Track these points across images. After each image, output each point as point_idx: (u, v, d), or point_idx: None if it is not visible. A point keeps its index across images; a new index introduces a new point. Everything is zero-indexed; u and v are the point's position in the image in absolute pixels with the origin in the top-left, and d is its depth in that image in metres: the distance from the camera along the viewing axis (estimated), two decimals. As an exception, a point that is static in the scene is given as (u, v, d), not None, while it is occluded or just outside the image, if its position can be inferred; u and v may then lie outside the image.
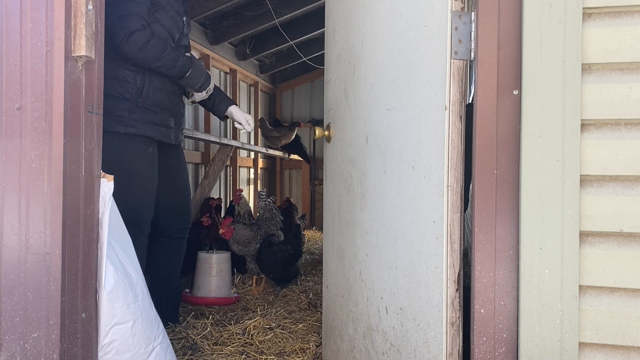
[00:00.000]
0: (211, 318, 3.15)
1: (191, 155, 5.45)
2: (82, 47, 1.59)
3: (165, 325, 2.40)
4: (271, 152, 6.24)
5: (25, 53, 1.57)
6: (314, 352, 2.69)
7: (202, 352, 2.69)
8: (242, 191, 4.27)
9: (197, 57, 2.89)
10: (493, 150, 1.50)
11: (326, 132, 2.35)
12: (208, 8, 5.03)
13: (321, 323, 2.66)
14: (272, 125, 6.42)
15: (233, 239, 3.74)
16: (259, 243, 3.81)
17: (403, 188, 1.76)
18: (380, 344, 1.88)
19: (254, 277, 3.96)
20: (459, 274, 1.59)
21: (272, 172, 8.10)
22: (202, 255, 3.62)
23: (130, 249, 1.91)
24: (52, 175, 1.56)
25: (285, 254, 3.80)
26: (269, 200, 4.04)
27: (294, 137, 6.14)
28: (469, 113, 1.59)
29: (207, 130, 5.75)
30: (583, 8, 1.43)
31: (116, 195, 1.80)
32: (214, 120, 5.77)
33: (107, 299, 1.72)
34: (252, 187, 7.27)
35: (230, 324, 3.05)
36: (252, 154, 7.09)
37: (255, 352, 2.69)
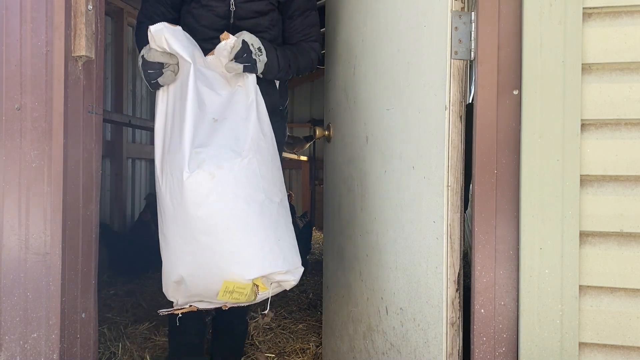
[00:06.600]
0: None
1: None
2: (82, 47, 1.59)
3: None
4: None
5: (25, 53, 1.57)
6: (314, 352, 2.69)
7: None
8: None
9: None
10: (493, 150, 1.49)
11: (326, 132, 2.35)
12: (208, 8, 5.01)
13: (321, 323, 2.66)
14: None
15: None
16: None
17: (403, 188, 1.76)
18: (380, 344, 1.88)
19: None
20: (459, 274, 1.59)
21: (272, 172, 8.09)
22: (202, 255, 3.60)
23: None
24: (52, 175, 1.56)
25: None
26: None
27: (307, 146, 7.20)
28: (469, 113, 1.59)
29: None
30: (583, 8, 1.43)
31: None
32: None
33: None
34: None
35: (230, 324, 3.04)
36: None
37: (255, 352, 2.69)
